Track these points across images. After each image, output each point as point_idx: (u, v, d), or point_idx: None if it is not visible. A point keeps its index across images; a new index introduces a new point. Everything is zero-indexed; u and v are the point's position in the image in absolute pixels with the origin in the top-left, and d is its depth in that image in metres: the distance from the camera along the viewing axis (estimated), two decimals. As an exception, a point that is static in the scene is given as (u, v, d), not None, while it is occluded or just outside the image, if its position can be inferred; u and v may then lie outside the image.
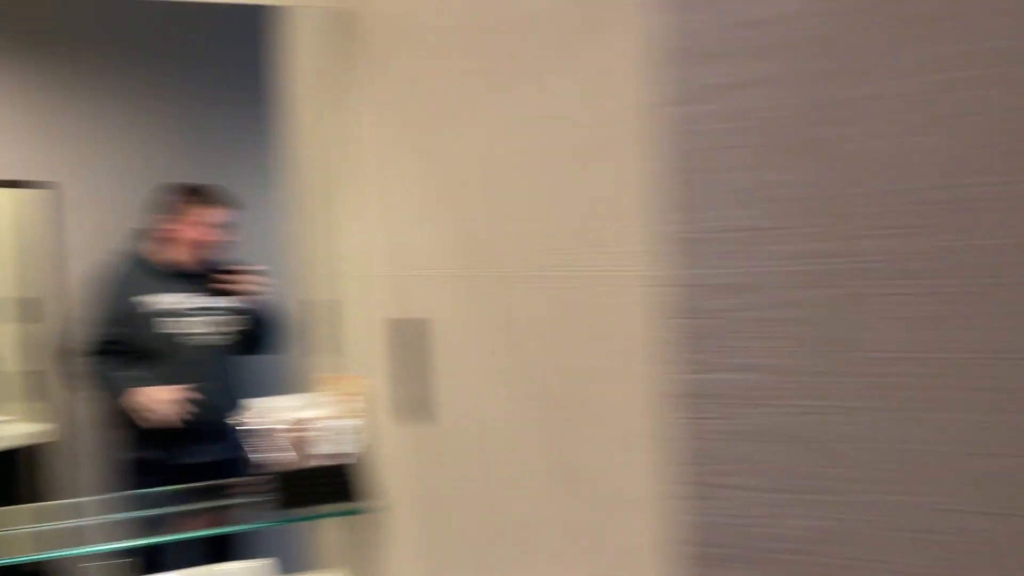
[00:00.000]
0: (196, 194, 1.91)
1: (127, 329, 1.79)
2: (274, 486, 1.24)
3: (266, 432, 1.26)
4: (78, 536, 1.30)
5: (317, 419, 1.28)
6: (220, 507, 1.40)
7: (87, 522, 1.34)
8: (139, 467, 1.84)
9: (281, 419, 1.27)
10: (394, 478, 1.19)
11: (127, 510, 1.38)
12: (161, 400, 1.73)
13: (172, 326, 1.80)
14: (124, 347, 1.78)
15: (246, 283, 1.80)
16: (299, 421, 1.27)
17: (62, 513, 1.35)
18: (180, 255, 1.87)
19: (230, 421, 1.72)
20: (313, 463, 1.25)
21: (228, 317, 1.84)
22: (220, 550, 1.68)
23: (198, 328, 1.80)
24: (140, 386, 1.75)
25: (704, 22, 0.56)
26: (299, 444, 1.26)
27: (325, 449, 1.26)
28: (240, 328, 1.85)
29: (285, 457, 1.25)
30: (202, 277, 1.85)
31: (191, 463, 1.79)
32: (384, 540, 1.25)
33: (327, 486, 1.24)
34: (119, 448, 1.85)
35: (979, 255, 0.50)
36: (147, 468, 1.82)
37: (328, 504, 1.25)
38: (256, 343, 1.88)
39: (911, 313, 0.52)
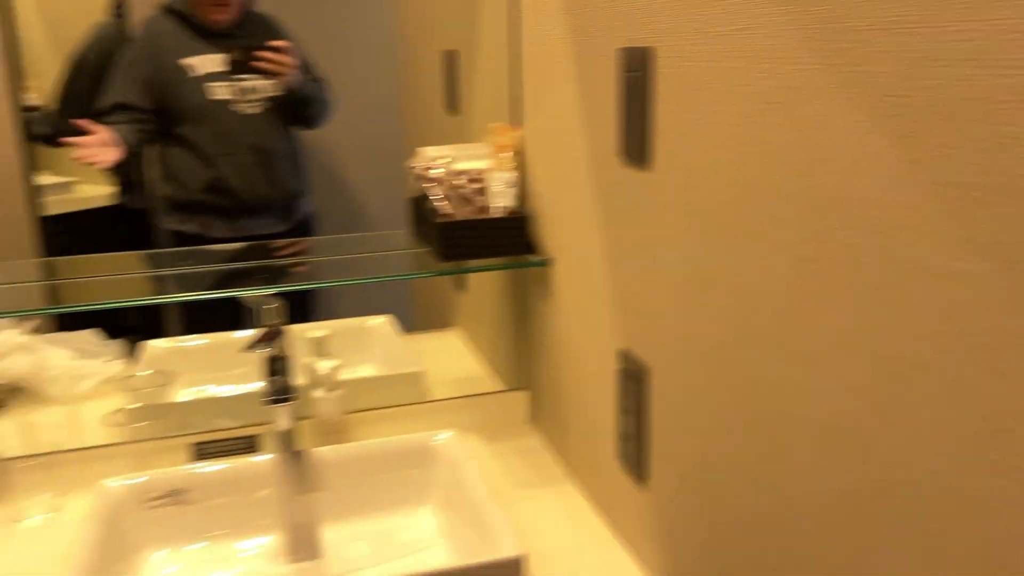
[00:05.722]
0: None
1: (153, 91, 1.71)
2: (433, 237, 1.26)
3: (427, 181, 1.27)
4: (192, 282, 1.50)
5: (479, 171, 1.29)
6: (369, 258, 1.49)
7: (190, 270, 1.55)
8: (180, 241, 1.80)
9: (444, 169, 1.27)
10: (559, 233, 1.21)
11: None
12: (86, 141, 1.64)
13: (207, 91, 1.71)
14: (138, 111, 1.71)
15: (280, 63, 1.71)
16: (462, 172, 1.28)
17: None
18: (216, 12, 1.75)
19: (279, 194, 1.74)
20: (474, 215, 1.27)
21: (263, 85, 1.74)
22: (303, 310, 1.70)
23: (233, 94, 1.72)
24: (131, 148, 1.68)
25: None
26: (462, 195, 1.27)
27: (488, 201, 1.28)
28: (280, 99, 1.76)
29: (446, 208, 1.26)
30: (238, 37, 1.74)
31: (230, 237, 1.75)
32: (542, 294, 1.29)
33: (489, 238, 1.27)
34: (162, 219, 1.78)
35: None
36: (188, 242, 1.78)
37: (489, 256, 1.29)
38: (297, 116, 1.79)
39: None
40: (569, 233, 1.18)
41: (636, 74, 0.92)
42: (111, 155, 1.63)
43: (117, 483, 1.13)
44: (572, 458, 1.27)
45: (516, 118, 1.34)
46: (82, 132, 1.61)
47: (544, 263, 1.27)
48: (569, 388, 1.25)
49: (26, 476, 1.19)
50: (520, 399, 1.46)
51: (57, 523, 1.18)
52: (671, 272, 0.90)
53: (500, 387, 1.51)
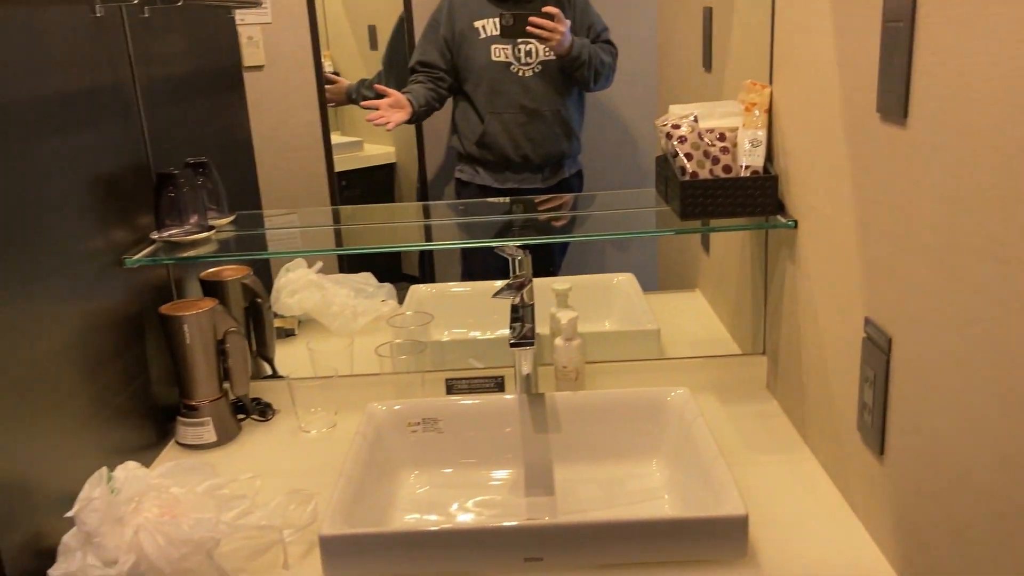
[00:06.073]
0: None
1: (448, 51, 1.83)
2: (681, 194, 1.27)
3: (673, 139, 1.29)
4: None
5: (727, 129, 1.29)
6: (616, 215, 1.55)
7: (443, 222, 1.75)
8: (458, 187, 1.99)
9: (690, 127, 1.29)
10: (807, 194, 1.18)
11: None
12: (380, 104, 1.77)
13: (491, 52, 1.83)
14: (435, 69, 1.85)
15: (548, 29, 1.79)
16: (709, 130, 1.29)
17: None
18: None
19: (543, 154, 1.85)
20: (720, 174, 1.27)
21: (540, 49, 1.83)
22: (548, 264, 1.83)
23: (512, 57, 1.82)
24: (423, 107, 1.83)
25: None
26: (707, 153, 1.27)
27: (734, 160, 1.27)
28: (553, 63, 1.85)
29: (691, 166, 1.27)
30: (527, 2, 1.80)
31: (500, 188, 1.91)
32: (786, 257, 1.28)
33: (733, 198, 1.26)
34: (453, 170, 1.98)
35: None
36: (463, 188, 1.96)
37: (733, 216, 1.28)
38: (574, 80, 1.84)
39: None
40: (817, 194, 1.14)
41: (897, 24, 0.86)
42: (399, 116, 1.81)
43: (382, 407, 1.28)
44: (809, 425, 1.24)
45: (768, 75, 1.30)
46: (380, 96, 1.79)
47: (791, 225, 1.24)
48: (810, 354, 1.21)
49: (309, 394, 1.38)
50: (758, 363, 1.43)
51: (333, 436, 1.36)
52: (925, 237, 0.85)
53: (739, 351, 1.49)
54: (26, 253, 1.01)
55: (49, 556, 0.97)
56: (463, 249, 1.87)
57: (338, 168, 1.85)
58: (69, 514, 0.96)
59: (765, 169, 1.27)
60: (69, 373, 1.09)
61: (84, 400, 1.12)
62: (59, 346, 1.07)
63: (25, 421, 0.99)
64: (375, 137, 1.99)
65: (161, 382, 1.34)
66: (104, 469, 1.00)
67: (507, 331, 1.23)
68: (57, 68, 1.11)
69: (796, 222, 1.23)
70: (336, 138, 1.87)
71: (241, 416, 1.40)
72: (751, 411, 1.37)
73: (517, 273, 1.28)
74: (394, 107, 1.78)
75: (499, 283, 1.23)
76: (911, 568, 0.92)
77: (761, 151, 1.26)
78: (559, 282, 1.50)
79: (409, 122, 1.82)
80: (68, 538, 0.96)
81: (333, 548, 0.98)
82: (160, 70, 1.40)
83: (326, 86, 1.84)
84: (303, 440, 1.36)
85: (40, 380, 1.03)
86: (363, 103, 1.79)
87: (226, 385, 1.37)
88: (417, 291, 1.72)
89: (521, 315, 1.24)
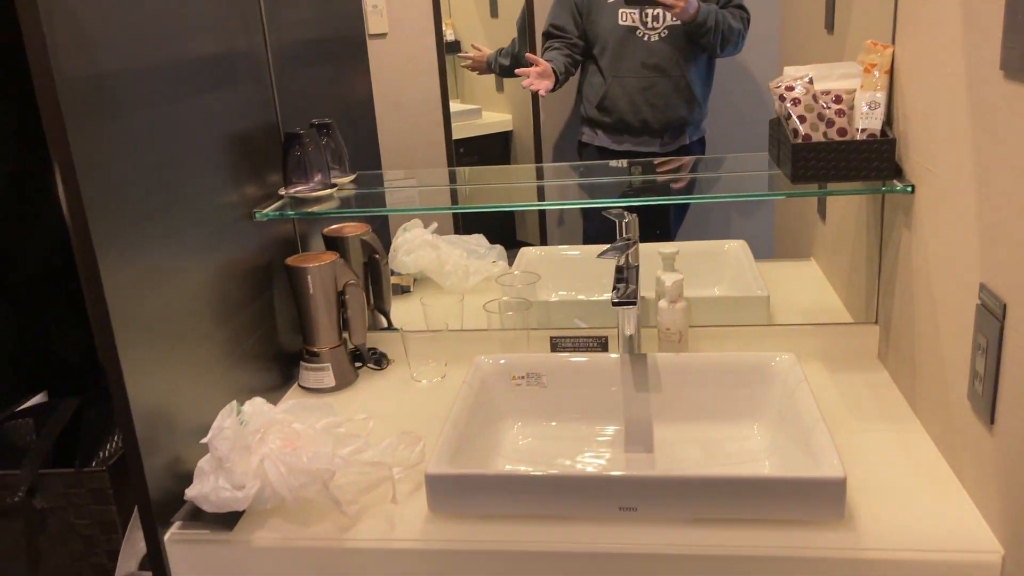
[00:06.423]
0: None
1: (578, 15, 1.88)
2: (793, 157, 1.25)
3: (787, 101, 1.27)
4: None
5: (844, 91, 1.26)
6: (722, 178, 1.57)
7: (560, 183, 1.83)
8: (580, 148, 2.04)
9: (804, 88, 1.27)
10: (925, 157, 1.14)
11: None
12: (529, 72, 1.84)
13: (619, 16, 1.85)
14: (567, 34, 1.89)
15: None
16: (826, 92, 1.27)
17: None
18: None
19: (662, 120, 1.85)
20: (834, 137, 1.24)
21: (665, 14, 1.83)
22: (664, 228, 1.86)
23: (639, 21, 1.84)
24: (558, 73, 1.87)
25: None
26: (822, 116, 1.25)
27: (850, 123, 1.25)
28: (679, 28, 1.83)
29: (804, 129, 1.25)
30: None
31: (618, 150, 1.91)
32: (903, 224, 1.25)
33: (848, 161, 1.23)
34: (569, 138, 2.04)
35: None
36: (584, 150, 2.02)
37: (846, 180, 1.25)
38: (700, 45, 1.83)
39: None
40: (936, 157, 1.10)
41: (1024, -25, 0.83)
42: (546, 84, 1.86)
43: (488, 360, 1.33)
44: (918, 395, 1.21)
45: (891, 35, 1.25)
46: (527, 64, 1.85)
47: (907, 190, 1.20)
48: (922, 322, 1.18)
49: (422, 346, 1.45)
50: (870, 332, 1.40)
51: (442, 386, 1.43)
52: (1045, 198, 0.81)
53: (851, 320, 1.46)
54: (169, 205, 1.11)
55: (186, 478, 1.08)
56: (583, 211, 1.90)
57: (456, 135, 1.91)
58: (204, 440, 1.06)
59: (883, 132, 1.23)
60: (205, 317, 1.19)
61: (218, 342, 1.22)
62: (196, 292, 1.17)
63: (168, 358, 1.09)
64: (493, 105, 2.04)
65: (286, 329, 1.44)
66: (234, 402, 1.10)
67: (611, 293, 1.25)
68: (198, 34, 1.20)
69: (913, 187, 1.19)
70: (455, 106, 1.92)
71: (358, 364, 1.49)
72: (860, 380, 1.34)
73: (624, 234, 1.30)
74: (542, 76, 1.83)
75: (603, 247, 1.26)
76: (1017, 540, 0.90)
77: (879, 113, 1.23)
78: (666, 246, 1.50)
79: (551, 90, 1.87)
80: (203, 462, 1.06)
81: (438, 486, 1.04)
82: (290, 36, 1.48)
83: (472, 55, 1.91)
84: (414, 388, 1.43)
85: (180, 322, 1.13)
86: (517, 71, 1.85)
87: (345, 335, 1.45)
88: (527, 253, 1.76)
89: (625, 276, 1.26)
